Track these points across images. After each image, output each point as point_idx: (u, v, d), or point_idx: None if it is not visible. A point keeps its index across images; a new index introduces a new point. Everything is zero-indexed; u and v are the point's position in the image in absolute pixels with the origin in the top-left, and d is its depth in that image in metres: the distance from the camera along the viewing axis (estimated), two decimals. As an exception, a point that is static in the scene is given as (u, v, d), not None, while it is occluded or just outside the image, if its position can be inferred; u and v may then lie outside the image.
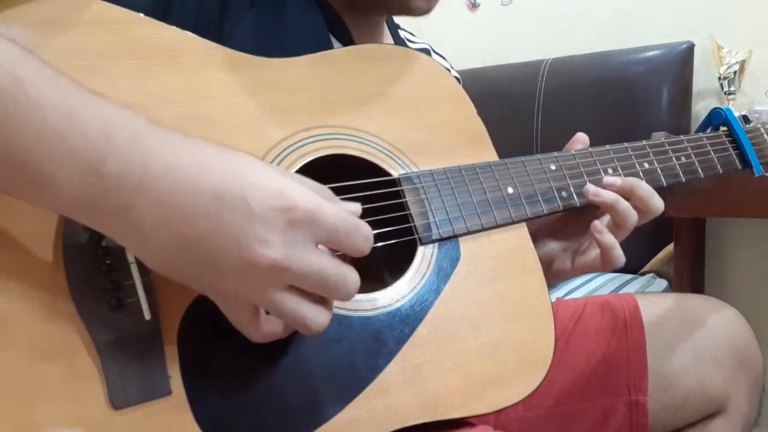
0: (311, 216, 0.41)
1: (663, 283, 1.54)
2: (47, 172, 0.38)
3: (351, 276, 0.43)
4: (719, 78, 1.63)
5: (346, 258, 0.45)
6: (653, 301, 0.80)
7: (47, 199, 0.40)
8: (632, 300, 0.79)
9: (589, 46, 1.77)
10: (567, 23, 1.90)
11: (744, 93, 1.64)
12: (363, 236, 0.44)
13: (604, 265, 0.66)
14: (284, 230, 0.40)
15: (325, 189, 0.45)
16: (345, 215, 0.43)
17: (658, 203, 0.67)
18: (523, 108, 1.76)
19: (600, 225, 0.65)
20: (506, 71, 1.88)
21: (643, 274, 1.58)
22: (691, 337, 0.75)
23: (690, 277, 1.53)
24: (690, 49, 1.64)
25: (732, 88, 1.62)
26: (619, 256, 0.65)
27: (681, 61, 1.63)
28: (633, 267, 1.61)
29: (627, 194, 0.66)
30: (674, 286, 1.53)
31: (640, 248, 1.64)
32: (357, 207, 0.46)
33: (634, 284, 1.49)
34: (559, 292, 1.43)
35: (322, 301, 0.44)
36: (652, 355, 0.73)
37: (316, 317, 0.43)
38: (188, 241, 0.40)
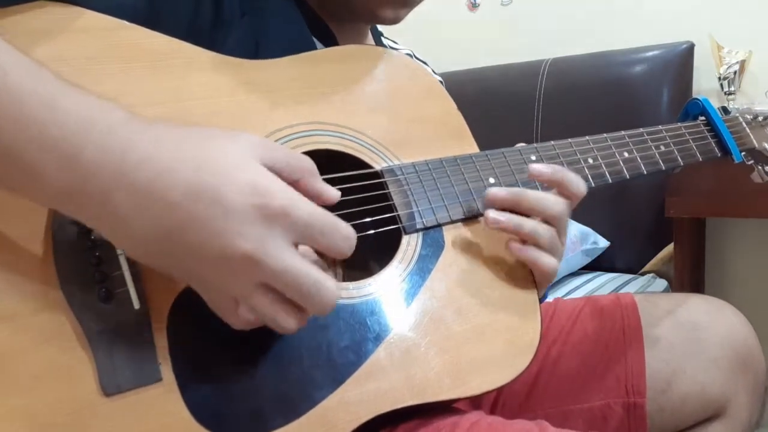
0: (285, 212, 0.41)
1: (663, 283, 1.54)
2: (30, 161, 0.39)
3: (327, 285, 0.42)
4: (719, 78, 1.63)
5: (329, 259, 0.44)
6: (652, 301, 0.79)
7: (32, 189, 0.41)
8: (631, 300, 0.78)
9: (589, 46, 1.77)
10: (567, 23, 1.90)
11: (744, 93, 1.64)
12: (342, 235, 0.43)
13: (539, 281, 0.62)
14: (259, 225, 0.40)
15: (306, 159, 0.45)
16: (322, 212, 0.43)
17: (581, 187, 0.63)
18: (523, 108, 1.76)
19: (515, 244, 0.60)
20: (506, 71, 1.88)
21: (643, 274, 1.59)
22: (689, 338, 0.74)
23: (690, 277, 1.53)
24: (690, 49, 1.64)
25: (732, 88, 1.62)
26: (545, 265, 0.60)
27: (681, 61, 1.63)
28: (633, 267, 1.61)
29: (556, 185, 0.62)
30: (674, 286, 1.53)
31: (640, 248, 1.64)
32: (335, 193, 0.46)
33: (634, 284, 1.49)
34: (559, 292, 1.43)
35: (297, 306, 0.43)
36: (649, 356, 0.73)
37: (284, 321, 0.43)
38: (166, 231, 0.41)
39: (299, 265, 0.42)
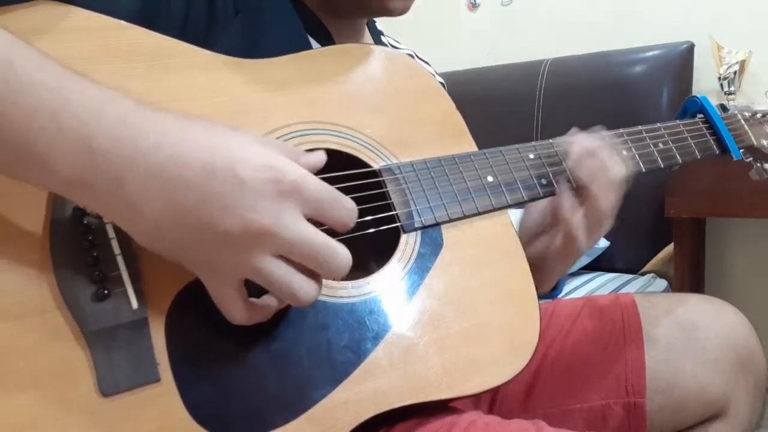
0: (297, 186, 0.43)
1: (663, 283, 1.54)
2: (41, 150, 0.39)
3: (340, 251, 0.45)
4: (719, 78, 1.63)
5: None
6: (653, 301, 0.79)
7: (42, 177, 0.41)
8: (631, 300, 0.78)
9: (589, 46, 1.77)
10: (567, 23, 1.90)
11: (744, 93, 1.64)
12: (346, 208, 0.46)
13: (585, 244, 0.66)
14: (273, 199, 0.42)
15: (287, 145, 0.48)
16: (328, 187, 0.45)
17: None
18: (523, 108, 1.76)
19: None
20: (506, 71, 1.88)
21: (643, 274, 1.59)
22: (689, 338, 0.74)
23: (690, 277, 1.53)
24: (690, 49, 1.64)
25: (732, 88, 1.62)
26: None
27: (681, 61, 1.63)
28: (633, 267, 1.61)
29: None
30: (674, 286, 1.53)
31: (640, 248, 1.64)
32: (320, 155, 0.48)
33: (634, 284, 1.49)
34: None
35: (312, 274, 0.45)
36: (649, 356, 0.73)
37: (304, 286, 0.45)
38: (180, 212, 0.41)
39: (313, 234, 0.44)
